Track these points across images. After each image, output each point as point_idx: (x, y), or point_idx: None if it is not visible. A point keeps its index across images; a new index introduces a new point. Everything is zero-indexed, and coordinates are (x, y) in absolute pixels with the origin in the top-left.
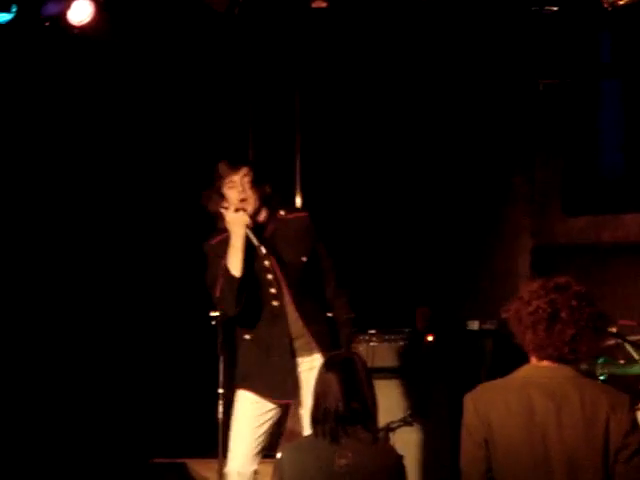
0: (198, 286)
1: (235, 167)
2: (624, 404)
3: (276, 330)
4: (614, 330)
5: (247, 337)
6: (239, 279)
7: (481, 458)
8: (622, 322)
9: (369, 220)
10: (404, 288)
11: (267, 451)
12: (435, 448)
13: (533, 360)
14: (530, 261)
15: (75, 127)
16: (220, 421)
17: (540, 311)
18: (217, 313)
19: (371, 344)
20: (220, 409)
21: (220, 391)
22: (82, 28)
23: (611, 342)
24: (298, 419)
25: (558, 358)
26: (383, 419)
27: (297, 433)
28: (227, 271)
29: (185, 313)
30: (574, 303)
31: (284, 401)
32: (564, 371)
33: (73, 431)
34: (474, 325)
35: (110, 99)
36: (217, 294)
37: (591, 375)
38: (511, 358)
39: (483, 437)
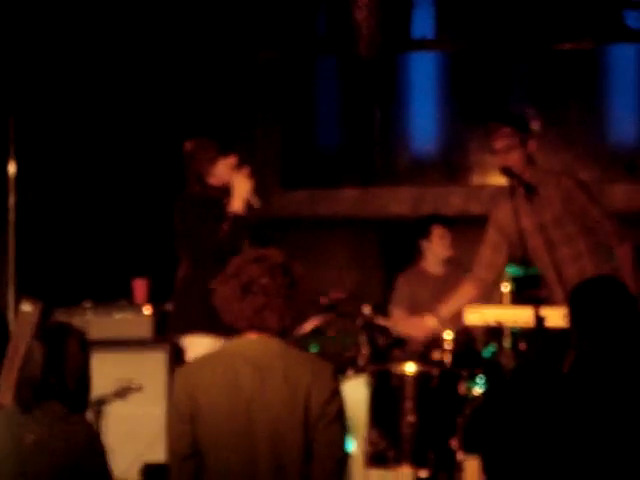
0: None
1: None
2: (326, 373)
3: None
4: (326, 301)
5: None
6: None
7: (186, 432)
8: (334, 295)
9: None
10: (121, 258)
11: None
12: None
13: (245, 334)
14: (250, 234)
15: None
16: None
17: (235, 284)
18: None
19: (87, 316)
20: None
21: None
22: None
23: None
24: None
25: (251, 328)
26: (98, 392)
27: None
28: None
29: None
30: (268, 274)
31: None
32: (271, 344)
33: None
34: None
35: None
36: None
37: (303, 347)
38: None
39: (189, 412)
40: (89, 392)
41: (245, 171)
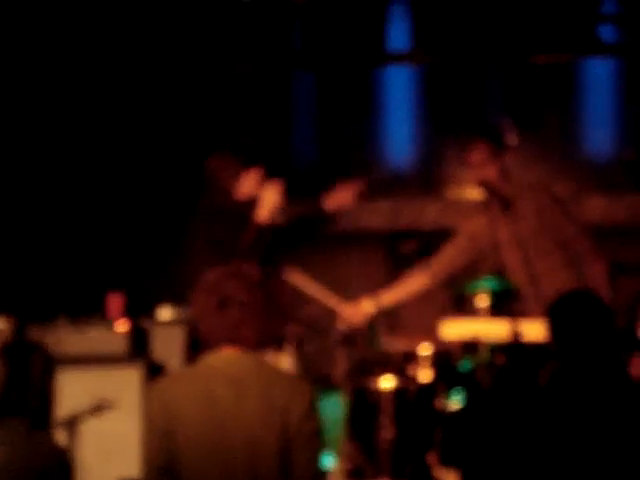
0: None
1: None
2: (303, 390)
3: None
4: (302, 316)
5: None
6: None
7: (160, 447)
8: (310, 310)
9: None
10: (95, 272)
11: None
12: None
13: (221, 348)
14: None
15: None
16: None
17: (212, 298)
18: None
19: (60, 332)
20: None
21: None
22: None
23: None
24: None
25: (228, 342)
26: (72, 409)
27: None
28: None
29: None
30: (244, 288)
31: None
32: (247, 360)
33: None
34: (166, 312)
35: None
36: None
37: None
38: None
39: (163, 427)
40: (51, 409)
41: (278, 185)
